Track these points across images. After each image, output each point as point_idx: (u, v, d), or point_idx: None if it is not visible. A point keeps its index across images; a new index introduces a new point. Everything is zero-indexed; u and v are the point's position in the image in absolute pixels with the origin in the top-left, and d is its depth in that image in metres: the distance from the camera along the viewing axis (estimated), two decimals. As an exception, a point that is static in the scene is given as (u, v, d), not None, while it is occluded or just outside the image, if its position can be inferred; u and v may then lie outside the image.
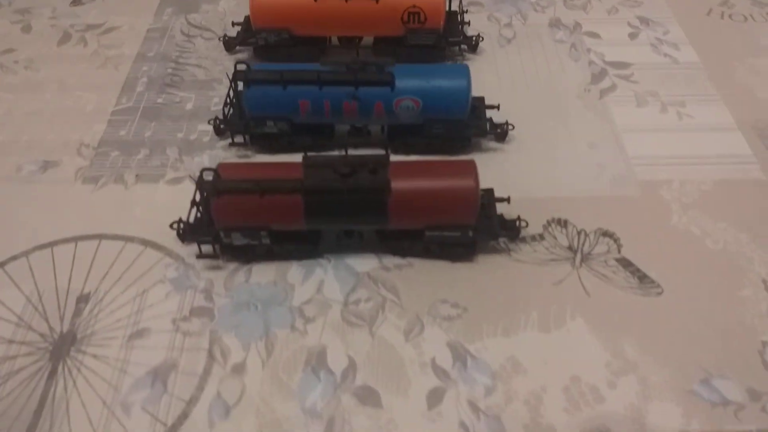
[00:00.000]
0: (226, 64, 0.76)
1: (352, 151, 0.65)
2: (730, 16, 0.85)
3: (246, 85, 0.61)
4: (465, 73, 0.62)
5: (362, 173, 0.52)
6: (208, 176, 0.53)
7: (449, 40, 0.74)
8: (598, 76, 0.76)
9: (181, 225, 0.57)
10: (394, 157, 0.65)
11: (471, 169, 0.54)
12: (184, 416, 0.48)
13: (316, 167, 0.52)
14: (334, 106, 0.61)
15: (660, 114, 0.71)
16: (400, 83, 0.61)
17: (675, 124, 0.70)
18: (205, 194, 0.53)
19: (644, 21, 0.83)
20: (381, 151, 0.66)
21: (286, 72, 0.60)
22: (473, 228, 0.55)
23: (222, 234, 0.54)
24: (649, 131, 0.69)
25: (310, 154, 0.53)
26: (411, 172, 0.54)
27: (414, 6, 0.70)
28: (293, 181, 0.51)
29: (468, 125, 0.64)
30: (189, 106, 0.72)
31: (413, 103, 0.62)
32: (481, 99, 0.67)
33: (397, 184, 0.52)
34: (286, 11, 0.71)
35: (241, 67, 0.60)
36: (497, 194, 0.59)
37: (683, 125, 0.70)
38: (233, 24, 0.78)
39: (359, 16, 0.71)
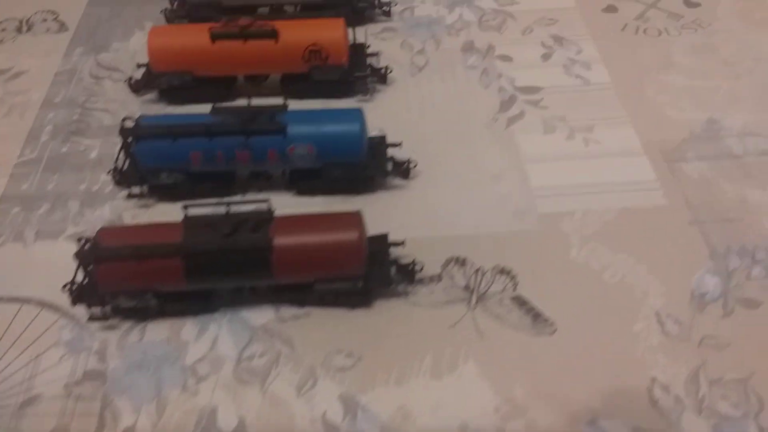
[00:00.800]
0: (132, 107, 0.75)
1: (255, 195, 0.65)
2: (644, 31, 0.84)
3: (135, 140, 0.60)
4: (358, 116, 0.62)
5: (243, 232, 0.52)
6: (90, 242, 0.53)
7: (356, 75, 0.74)
8: (507, 103, 0.75)
9: (73, 287, 0.57)
10: (297, 200, 0.67)
11: (356, 221, 0.54)
12: (69, 487, 0.48)
13: (196, 227, 0.52)
14: (227, 155, 0.61)
15: (566, 141, 0.71)
16: (293, 130, 0.61)
17: (581, 151, 0.70)
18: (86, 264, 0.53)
19: (558, 40, 0.83)
20: (285, 194, 0.67)
21: (175, 126, 0.59)
22: (364, 277, 0.55)
23: (108, 297, 0.54)
24: (555, 160, 0.69)
25: (191, 213, 0.53)
26: (294, 228, 0.53)
27: (314, 44, 0.70)
28: (171, 246, 0.51)
29: (367, 166, 0.64)
30: (93, 154, 0.71)
31: (307, 149, 0.61)
32: (382, 138, 0.67)
33: (280, 241, 0.52)
34: (184, 54, 0.70)
35: (128, 123, 0.59)
36: (399, 235, 0.59)
37: (589, 152, 0.70)
38: (138, 66, 0.77)
39: (260, 56, 0.70)
